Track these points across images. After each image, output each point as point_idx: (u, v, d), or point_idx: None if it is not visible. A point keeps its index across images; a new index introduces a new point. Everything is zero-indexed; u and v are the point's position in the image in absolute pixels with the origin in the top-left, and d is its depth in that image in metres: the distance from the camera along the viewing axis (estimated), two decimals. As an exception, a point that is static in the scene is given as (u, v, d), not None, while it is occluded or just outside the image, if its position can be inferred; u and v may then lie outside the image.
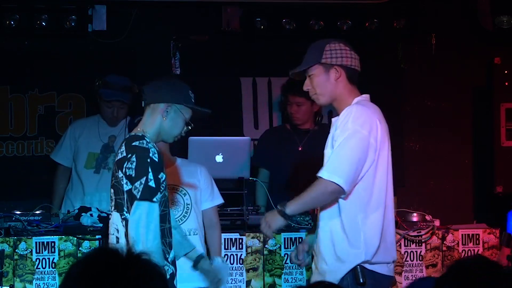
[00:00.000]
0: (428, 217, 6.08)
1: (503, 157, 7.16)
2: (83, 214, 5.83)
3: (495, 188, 7.12)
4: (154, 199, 4.25)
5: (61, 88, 7.40)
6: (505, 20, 7.36)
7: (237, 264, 5.84)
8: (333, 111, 5.09)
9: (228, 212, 5.92)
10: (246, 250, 5.84)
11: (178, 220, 5.39)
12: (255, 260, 5.85)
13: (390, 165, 4.44)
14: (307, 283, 5.45)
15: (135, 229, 4.22)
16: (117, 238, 4.33)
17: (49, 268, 5.64)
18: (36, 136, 7.41)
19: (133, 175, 4.25)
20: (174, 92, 4.43)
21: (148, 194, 4.23)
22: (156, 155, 4.30)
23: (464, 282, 2.42)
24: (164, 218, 4.34)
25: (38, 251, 5.63)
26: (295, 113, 6.75)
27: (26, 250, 5.63)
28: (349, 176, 4.25)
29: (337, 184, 4.23)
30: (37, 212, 5.88)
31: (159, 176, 4.28)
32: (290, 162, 6.71)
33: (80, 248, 5.67)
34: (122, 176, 4.28)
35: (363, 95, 4.49)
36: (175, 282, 4.41)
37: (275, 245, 5.85)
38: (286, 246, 5.81)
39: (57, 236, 5.67)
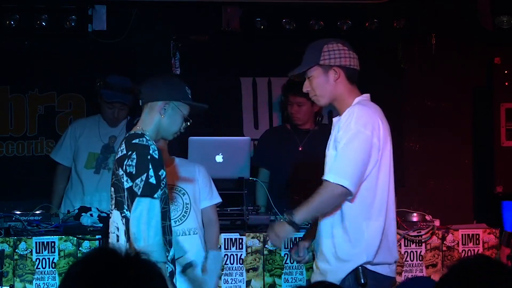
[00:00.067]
0: (428, 217, 6.08)
1: (503, 157, 7.15)
2: (83, 214, 5.82)
3: (495, 188, 7.12)
4: (155, 196, 4.25)
5: (61, 88, 7.40)
6: (505, 20, 7.36)
7: (237, 264, 5.83)
8: (333, 111, 5.08)
9: (228, 212, 5.92)
10: (246, 250, 5.84)
11: (178, 219, 5.39)
12: (255, 260, 5.84)
13: (392, 165, 4.43)
14: (308, 283, 5.45)
15: (137, 225, 4.22)
16: (118, 236, 4.34)
17: (49, 268, 5.63)
18: (36, 136, 7.41)
19: (134, 172, 4.25)
20: (171, 89, 4.44)
21: (149, 191, 4.24)
22: (156, 152, 4.30)
23: (466, 282, 2.41)
24: (165, 215, 4.35)
25: (38, 251, 5.63)
26: (296, 113, 6.74)
27: (26, 250, 5.63)
28: (355, 177, 4.25)
29: (344, 186, 4.23)
30: (37, 212, 5.88)
31: (160, 173, 4.29)
32: (290, 162, 6.71)
33: (80, 248, 5.66)
34: (123, 174, 4.29)
35: (364, 95, 4.48)
36: (174, 281, 4.42)
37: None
38: (286, 246, 5.79)
39: (57, 236, 5.67)
